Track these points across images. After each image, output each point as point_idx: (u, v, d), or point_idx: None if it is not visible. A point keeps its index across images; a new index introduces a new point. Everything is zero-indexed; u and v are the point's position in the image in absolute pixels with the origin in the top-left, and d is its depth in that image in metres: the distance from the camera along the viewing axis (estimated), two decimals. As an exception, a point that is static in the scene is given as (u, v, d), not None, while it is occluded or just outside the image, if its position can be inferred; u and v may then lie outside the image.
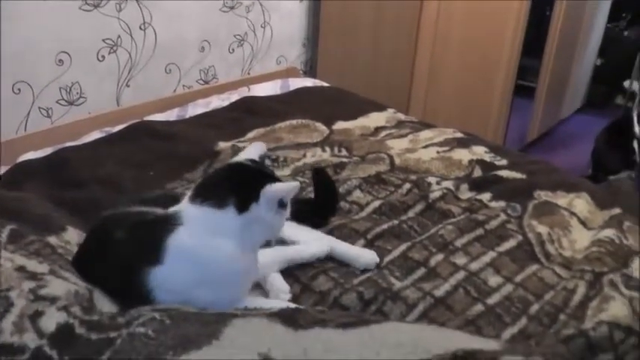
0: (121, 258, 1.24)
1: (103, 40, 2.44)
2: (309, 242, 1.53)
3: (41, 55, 2.27)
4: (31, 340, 1.06)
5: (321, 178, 1.77)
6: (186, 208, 1.23)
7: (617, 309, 1.30)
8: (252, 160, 1.34)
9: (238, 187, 1.23)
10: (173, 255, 1.19)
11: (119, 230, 1.27)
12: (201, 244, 1.20)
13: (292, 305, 1.27)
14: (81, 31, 2.36)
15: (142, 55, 2.60)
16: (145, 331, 1.05)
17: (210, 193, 1.23)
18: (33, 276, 1.20)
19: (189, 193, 1.26)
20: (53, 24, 2.27)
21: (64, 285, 1.19)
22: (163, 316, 1.09)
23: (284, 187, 1.24)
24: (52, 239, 1.39)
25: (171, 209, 1.26)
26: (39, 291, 1.15)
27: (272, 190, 1.22)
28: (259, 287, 1.43)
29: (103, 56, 2.46)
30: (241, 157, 1.43)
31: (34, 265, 1.24)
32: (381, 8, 3.11)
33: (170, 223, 1.21)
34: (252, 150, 1.45)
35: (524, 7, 2.99)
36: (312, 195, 1.78)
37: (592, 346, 1.19)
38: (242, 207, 1.21)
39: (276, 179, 1.27)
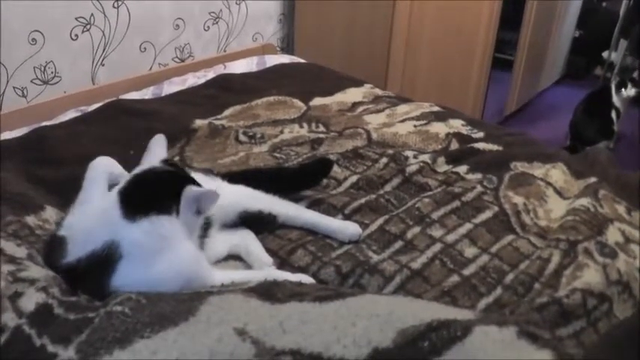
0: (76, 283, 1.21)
1: (76, 19, 2.41)
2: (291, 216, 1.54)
3: (14, 34, 2.24)
4: (10, 319, 1.07)
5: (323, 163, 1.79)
6: (119, 231, 1.18)
7: (590, 276, 1.32)
8: (167, 163, 1.34)
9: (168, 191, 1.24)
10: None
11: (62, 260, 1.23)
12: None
13: (271, 277, 1.26)
14: (53, 9, 2.33)
15: (116, 34, 2.57)
16: (121, 309, 1.06)
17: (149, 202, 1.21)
18: (12, 260, 1.20)
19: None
20: (24, 3, 2.23)
21: (42, 270, 1.20)
22: (139, 296, 1.10)
23: (202, 191, 1.26)
24: (31, 219, 1.39)
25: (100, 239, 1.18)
26: (18, 274, 1.16)
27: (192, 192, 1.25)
28: (241, 260, 1.44)
29: (77, 35, 2.43)
30: (151, 158, 1.38)
31: (12, 247, 1.24)
32: (357, -18, 3.09)
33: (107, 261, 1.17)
34: (156, 147, 1.40)
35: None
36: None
37: (565, 313, 1.21)
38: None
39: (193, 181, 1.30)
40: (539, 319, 1.17)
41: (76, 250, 1.21)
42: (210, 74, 2.63)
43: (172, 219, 1.22)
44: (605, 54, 4.60)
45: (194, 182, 1.30)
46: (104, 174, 1.36)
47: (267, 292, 1.13)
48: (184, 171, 1.36)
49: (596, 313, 1.24)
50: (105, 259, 1.16)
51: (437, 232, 1.53)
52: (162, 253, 1.19)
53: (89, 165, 1.39)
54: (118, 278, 1.16)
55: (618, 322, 1.25)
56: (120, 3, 2.53)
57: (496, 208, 1.63)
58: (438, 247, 1.47)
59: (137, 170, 1.30)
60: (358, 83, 2.58)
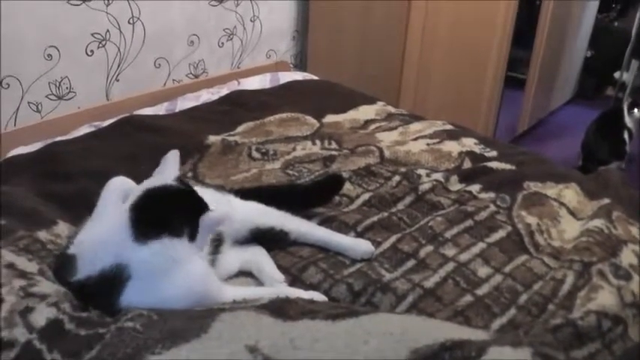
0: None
1: (92, 35, 2.43)
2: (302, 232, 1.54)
3: (29, 50, 2.26)
4: (21, 334, 1.07)
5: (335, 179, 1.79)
6: (128, 252, 1.17)
7: (605, 298, 1.30)
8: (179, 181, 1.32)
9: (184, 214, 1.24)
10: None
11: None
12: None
13: (283, 294, 1.25)
14: (69, 25, 2.35)
15: (131, 50, 2.59)
16: (133, 326, 1.06)
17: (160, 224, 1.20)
18: (23, 274, 1.20)
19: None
20: (41, 18, 2.25)
21: (54, 285, 1.20)
22: (151, 312, 1.10)
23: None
24: (42, 234, 1.38)
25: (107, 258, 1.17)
26: (29, 289, 1.16)
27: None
28: (252, 277, 1.44)
29: (92, 51, 2.45)
30: (164, 174, 1.34)
31: (23, 262, 1.25)
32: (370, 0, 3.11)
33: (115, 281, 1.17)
34: (170, 163, 1.38)
35: (514, -1, 3.00)
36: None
37: (580, 335, 1.19)
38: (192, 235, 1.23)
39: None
40: (554, 341, 1.16)
41: (86, 268, 1.20)
42: (223, 90, 2.64)
43: (184, 241, 1.21)
44: (617, 74, 4.59)
45: (205, 204, 1.28)
46: (120, 193, 1.35)
47: (279, 309, 1.12)
48: (195, 192, 1.34)
49: (610, 335, 1.23)
50: (114, 279, 1.16)
51: (450, 251, 1.52)
52: (172, 272, 1.18)
53: (105, 185, 1.38)
54: (127, 297, 1.16)
55: (633, 345, 1.24)
56: (135, 19, 2.55)
57: (509, 228, 1.62)
58: (450, 266, 1.47)
59: (149, 185, 1.27)
60: (371, 100, 2.58)
